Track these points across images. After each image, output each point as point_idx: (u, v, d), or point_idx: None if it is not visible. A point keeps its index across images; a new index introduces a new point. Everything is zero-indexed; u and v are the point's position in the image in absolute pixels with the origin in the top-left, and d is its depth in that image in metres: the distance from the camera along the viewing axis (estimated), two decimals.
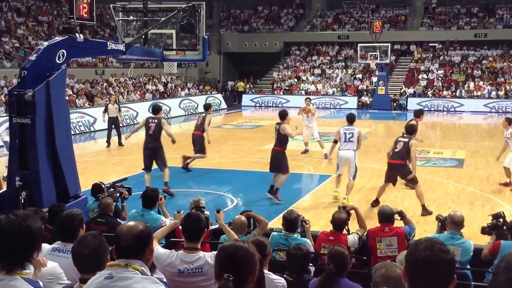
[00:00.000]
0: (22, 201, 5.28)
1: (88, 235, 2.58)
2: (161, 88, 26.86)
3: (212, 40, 34.31)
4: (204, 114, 11.66)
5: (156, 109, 9.62)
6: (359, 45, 27.84)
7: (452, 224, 4.74)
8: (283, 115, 9.18)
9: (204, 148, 11.40)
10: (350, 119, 9.12)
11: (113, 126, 15.41)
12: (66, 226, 3.55)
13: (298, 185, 10.91)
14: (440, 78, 29.35)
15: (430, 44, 32.04)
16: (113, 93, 17.60)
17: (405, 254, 1.82)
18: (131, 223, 2.33)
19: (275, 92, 31.23)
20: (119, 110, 15.80)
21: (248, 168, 12.41)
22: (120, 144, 14.94)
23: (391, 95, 27.98)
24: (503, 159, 10.44)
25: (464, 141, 17.55)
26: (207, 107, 11.98)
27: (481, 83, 28.25)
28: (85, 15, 6.02)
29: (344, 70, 31.70)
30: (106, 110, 15.72)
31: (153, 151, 9.32)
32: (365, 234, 5.18)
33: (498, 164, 11.41)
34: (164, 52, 7.83)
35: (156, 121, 9.29)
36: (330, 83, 30.52)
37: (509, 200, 9.29)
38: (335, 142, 9.23)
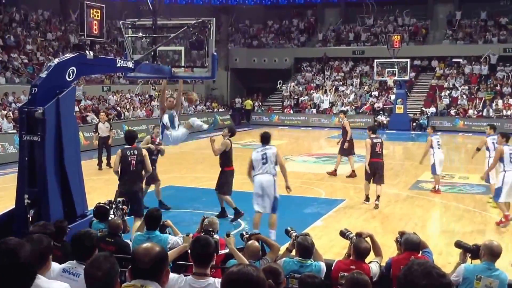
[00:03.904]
0: (30, 219, 5.71)
1: (100, 256, 2.76)
2: None
3: (219, 55, 34.99)
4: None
5: (131, 138, 8.25)
6: (375, 61, 28.36)
7: (489, 254, 4.77)
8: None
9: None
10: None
11: (103, 146, 15.65)
12: (85, 245, 3.91)
13: (309, 209, 11.14)
14: (464, 96, 29.66)
15: (453, 60, 32.42)
16: (103, 112, 18.10)
17: (398, 281, 1.83)
18: (148, 244, 2.57)
19: (285, 110, 31.77)
20: (110, 130, 16.06)
21: None
22: (109, 165, 15.15)
23: (410, 114, 28.34)
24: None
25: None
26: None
27: (510, 101, 28.48)
28: (95, 32, 6.52)
29: (359, 86, 32.17)
30: (96, 130, 16.03)
31: (133, 196, 7.78)
32: (384, 262, 5.29)
33: None
34: (173, 69, 8.31)
35: (136, 152, 8.02)
36: (344, 101, 30.99)
37: None
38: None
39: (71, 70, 6.24)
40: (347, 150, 14.59)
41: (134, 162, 7.93)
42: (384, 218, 10.08)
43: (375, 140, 11.19)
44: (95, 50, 6.44)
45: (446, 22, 35.15)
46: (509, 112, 27.90)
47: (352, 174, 14.23)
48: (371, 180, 11.06)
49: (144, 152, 8.23)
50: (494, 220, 10.18)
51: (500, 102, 28.53)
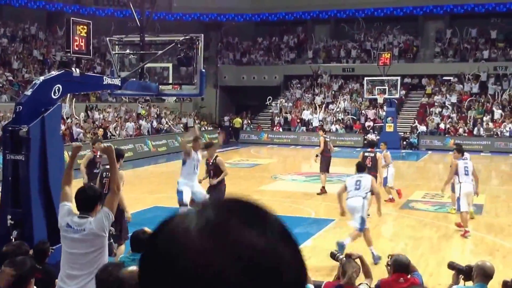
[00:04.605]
0: (13, 240, 5.65)
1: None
2: (155, 123, 27.60)
3: (208, 73, 35.19)
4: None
5: (117, 155, 8.01)
6: (365, 78, 28.66)
7: (482, 275, 4.78)
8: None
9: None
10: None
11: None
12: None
13: (298, 229, 11.14)
14: (455, 114, 30.02)
15: (444, 78, 32.88)
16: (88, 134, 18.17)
17: None
18: (133, 268, 2.63)
19: (274, 129, 31.90)
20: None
21: None
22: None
23: (400, 133, 28.60)
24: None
25: (483, 184, 17.88)
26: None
27: (501, 120, 28.83)
28: (82, 49, 6.57)
29: (349, 104, 32.44)
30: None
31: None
32: (373, 284, 5.34)
33: None
34: (160, 86, 8.37)
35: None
36: (333, 119, 31.20)
37: None
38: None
39: (57, 87, 6.26)
40: (322, 167, 14.78)
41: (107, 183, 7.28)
42: (374, 239, 10.09)
43: (366, 154, 12.02)
44: (81, 67, 6.49)
45: (437, 40, 35.70)
46: (499, 131, 28.25)
47: (322, 191, 14.55)
48: None
49: (122, 173, 7.36)
50: (485, 239, 10.29)
51: (490, 123, 28.85)
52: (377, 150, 13.07)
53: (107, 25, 29.21)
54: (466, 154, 11.35)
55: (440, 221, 11.77)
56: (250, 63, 37.22)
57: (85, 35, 6.60)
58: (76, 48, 6.48)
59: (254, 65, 36.75)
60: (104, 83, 7.19)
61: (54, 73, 6.49)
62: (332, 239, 9.95)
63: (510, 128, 28.04)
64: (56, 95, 6.29)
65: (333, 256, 5.49)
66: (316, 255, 8.95)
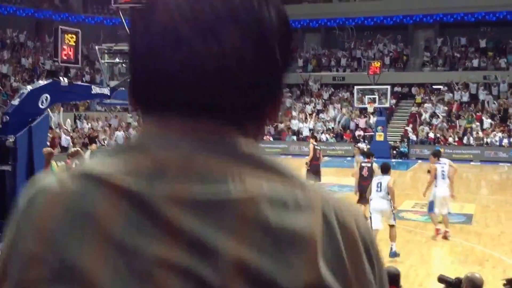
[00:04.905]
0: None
1: None
2: None
3: None
4: None
5: None
6: (355, 87, 28.80)
7: (471, 287, 4.81)
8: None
9: None
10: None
11: None
12: None
13: None
14: (445, 123, 30.25)
15: (434, 87, 33.13)
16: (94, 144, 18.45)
17: None
18: None
19: (265, 138, 31.89)
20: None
21: None
22: None
23: (390, 142, 28.74)
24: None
25: (473, 194, 18.05)
26: None
27: (490, 129, 29.11)
28: (70, 58, 6.56)
29: (339, 113, 32.57)
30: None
31: None
32: None
33: (510, 221, 11.88)
34: None
35: None
36: (324, 128, 31.30)
37: None
38: None
39: (45, 97, 6.24)
40: (309, 175, 14.82)
41: None
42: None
43: (363, 164, 12.34)
44: (70, 76, 6.45)
45: (426, 49, 36.02)
46: (489, 140, 28.50)
47: None
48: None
49: None
50: (474, 249, 10.35)
51: (480, 132, 29.12)
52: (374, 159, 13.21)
53: (96, 33, 29.19)
54: (444, 159, 12.12)
55: (430, 231, 11.80)
56: None
57: (74, 44, 6.58)
58: (65, 57, 6.47)
59: None
60: (93, 92, 7.17)
61: (41, 82, 6.48)
62: None
63: (499, 137, 28.30)
64: (43, 104, 6.27)
65: None
66: None
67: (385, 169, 10.10)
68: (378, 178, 10.00)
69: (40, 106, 6.25)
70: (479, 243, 10.88)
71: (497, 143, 28.19)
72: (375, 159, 13.40)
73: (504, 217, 13.66)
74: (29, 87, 6.33)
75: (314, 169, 15.09)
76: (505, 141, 28.08)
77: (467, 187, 20.31)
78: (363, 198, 11.49)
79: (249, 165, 0.65)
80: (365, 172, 12.00)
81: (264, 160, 0.66)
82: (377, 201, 9.75)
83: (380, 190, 9.74)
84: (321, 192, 0.67)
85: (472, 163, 26.74)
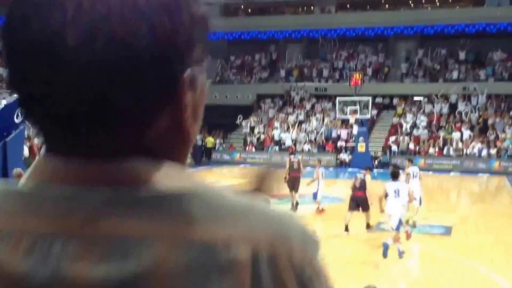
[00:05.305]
0: None
1: None
2: None
3: None
4: None
5: None
6: (337, 98, 28.96)
7: None
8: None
9: None
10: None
11: None
12: None
13: None
14: (425, 134, 30.57)
15: (415, 99, 33.48)
16: None
17: None
18: None
19: (247, 148, 31.90)
20: None
21: None
22: None
23: (372, 153, 28.92)
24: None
25: (453, 205, 18.22)
26: None
27: (470, 140, 29.46)
28: None
29: (322, 123, 32.70)
30: None
31: None
32: None
33: (490, 231, 11.99)
34: None
35: None
36: (306, 138, 31.40)
37: (501, 273, 9.56)
38: None
39: (20, 111, 6.14)
40: (288, 186, 15.26)
41: None
42: (345, 263, 10.12)
43: (358, 175, 13.49)
44: None
45: (407, 60, 36.42)
46: (468, 151, 28.85)
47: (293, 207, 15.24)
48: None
49: None
50: (453, 260, 10.44)
51: (460, 143, 29.45)
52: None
53: None
54: (414, 168, 15.02)
55: (410, 242, 11.87)
56: (222, 81, 37.31)
57: None
58: None
59: (227, 84, 36.85)
60: None
61: (16, 96, 6.37)
62: None
63: (478, 148, 28.67)
64: (19, 118, 6.17)
65: None
66: None
67: (394, 176, 10.88)
68: (395, 185, 10.69)
69: (15, 120, 6.16)
70: (458, 254, 10.96)
71: (476, 154, 28.54)
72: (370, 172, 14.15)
73: (483, 228, 13.80)
74: (3, 102, 6.24)
75: (291, 182, 15.31)
76: (484, 152, 28.45)
77: (447, 198, 20.52)
78: (352, 207, 12.79)
79: (159, 219, 0.54)
80: (358, 183, 12.98)
81: (177, 202, 0.55)
82: (394, 206, 10.55)
83: (398, 197, 10.56)
84: (254, 229, 0.58)
85: (452, 173, 27.02)
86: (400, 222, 10.51)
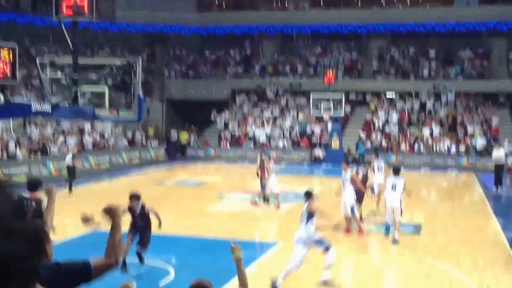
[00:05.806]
0: None
1: None
2: (97, 138, 26.75)
3: (154, 86, 34.68)
4: None
5: (33, 185, 7.01)
6: (311, 94, 28.85)
7: None
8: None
9: None
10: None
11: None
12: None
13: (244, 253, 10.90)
14: (397, 131, 30.77)
15: (387, 96, 33.68)
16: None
17: None
18: None
19: (222, 144, 31.64)
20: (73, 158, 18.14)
21: (190, 233, 12.43)
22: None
23: (345, 149, 28.98)
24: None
25: (422, 202, 18.28)
26: None
27: (439, 137, 29.76)
28: (7, 76, 6.16)
29: (296, 119, 32.61)
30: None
31: None
32: None
33: (457, 230, 12.06)
34: (96, 111, 7.99)
35: (34, 204, 6.66)
36: (281, 135, 31.29)
37: (468, 274, 9.63)
38: None
39: None
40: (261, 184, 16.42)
41: (31, 215, 6.07)
42: (317, 265, 10.01)
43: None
44: (6, 93, 6.01)
45: (379, 58, 36.62)
46: (438, 147, 29.19)
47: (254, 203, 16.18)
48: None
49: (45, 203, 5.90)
50: (422, 261, 10.47)
51: (430, 140, 29.69)
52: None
53: (46, 35, 28.27)
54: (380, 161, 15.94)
55: (381, 241, 11.87)
56: (197, 76, 36.92)
57: (11, 60, 6.20)
58: (0, 75, 6.08)
59: (202, 79, 36.47)
60: (32, 110, 6.79)
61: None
62: (276, 264, 9.79)
63: (447, 145, 29.02)
64: None
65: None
66: (260, 283, 8.77)
67: (396, 172, 11.96)
68: (393, 180, 11.75)
69: None
70: (426, 255, 10.99)
71: (446, 151, 28.89)
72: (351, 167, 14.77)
73: (451, 226, 13.91)
74: None
75: (261, 181, 16.11)
76: (453, 149, 28.82)
77: (417, 195, 20.61)
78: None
79: None
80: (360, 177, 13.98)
81: None
82: (391, 199, 11.62)
83: (395, 190, 11.60)
84: None
85: (422, 170, 27.29)
86: (401, 211, 11.76)
